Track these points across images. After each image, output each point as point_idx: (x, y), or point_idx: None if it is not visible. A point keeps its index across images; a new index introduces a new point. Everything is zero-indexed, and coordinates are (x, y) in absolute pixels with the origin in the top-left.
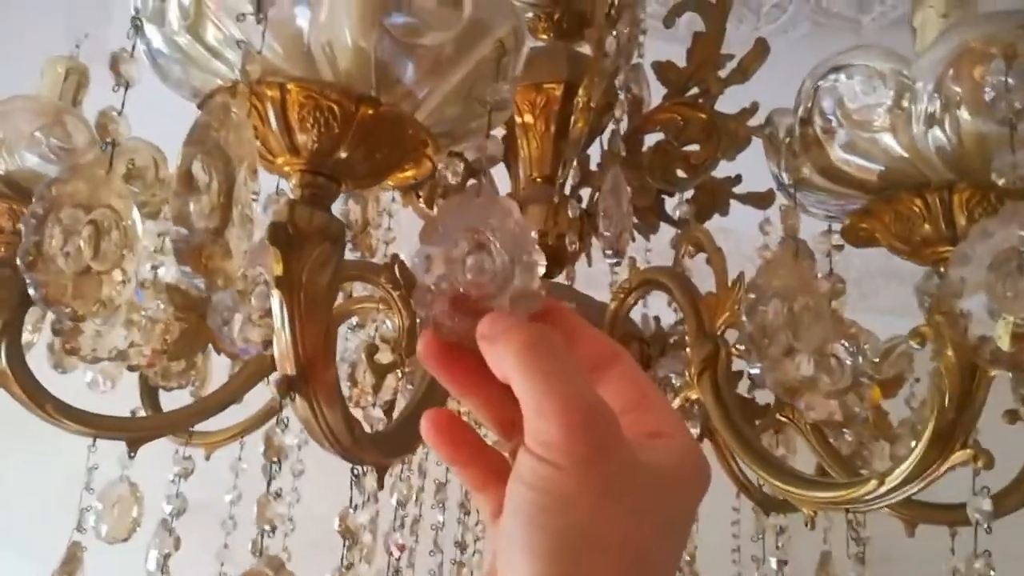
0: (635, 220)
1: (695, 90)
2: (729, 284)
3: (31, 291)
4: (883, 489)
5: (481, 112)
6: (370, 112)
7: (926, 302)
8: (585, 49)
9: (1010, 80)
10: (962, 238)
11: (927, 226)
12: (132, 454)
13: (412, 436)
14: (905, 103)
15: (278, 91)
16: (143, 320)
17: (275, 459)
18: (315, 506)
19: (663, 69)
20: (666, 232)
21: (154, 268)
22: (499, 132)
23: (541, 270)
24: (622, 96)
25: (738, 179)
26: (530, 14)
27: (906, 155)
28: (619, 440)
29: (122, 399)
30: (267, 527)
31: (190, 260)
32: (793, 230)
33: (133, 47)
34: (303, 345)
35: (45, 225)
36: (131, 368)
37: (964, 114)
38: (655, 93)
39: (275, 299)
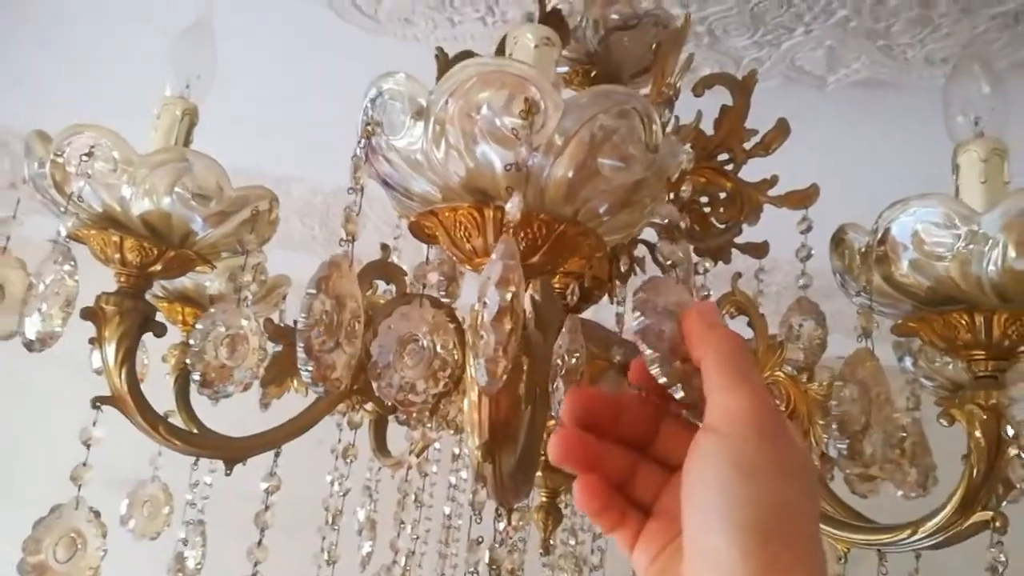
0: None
1: (721, 155)
2: (768, 345)
3: (305, 371)
4: (916, 537)
5: (639, 217)
6: (569, 228)
7: (907, 360)
8: None
9: None
10: (995, 347)
11: (968, 335)
12: (228, 471)
13: (531, 477)
14: (972, 245)
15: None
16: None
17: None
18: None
19: (692, 135)
20: None
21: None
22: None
23: None
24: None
25: (739, 231)
26: (566, 68)
27: (957, 278)
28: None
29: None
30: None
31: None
32: (869, 332)
33: (364, 156)
34: (499, 415)
35: (324, 318)
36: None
37: (1012, 254)
38: None
39: (471, 367)
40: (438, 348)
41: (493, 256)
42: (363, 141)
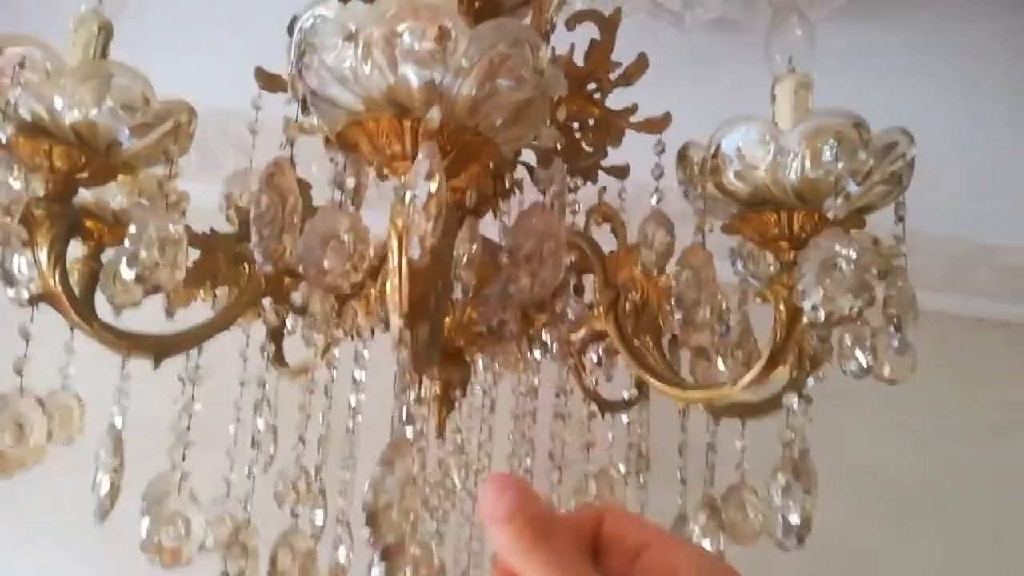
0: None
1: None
2: (626, 249)
3: (259, 252)
4: (735, 390)
5: (527, 131)
6: (472, 138)
7: (739, 263)
8: None
9: (838, 153)
10: (795, 239)
11: (776, 230)
12: (157, 366)
13: (436, 351)
14: (779, 157)
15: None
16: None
17: None
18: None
19: (565, 66)
20: None
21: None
22: None
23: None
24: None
25: (605, 154)
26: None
27: (770, 184)
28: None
29: None
30: None
31: None
32: (702, 228)
33: (298, 72)
34: (415, 294)
35: (271, 209)
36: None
37: (807, 164)
38: None
39: (394, 253)
40: (356, 244)
41: (419, 155)
42: (297, 60)
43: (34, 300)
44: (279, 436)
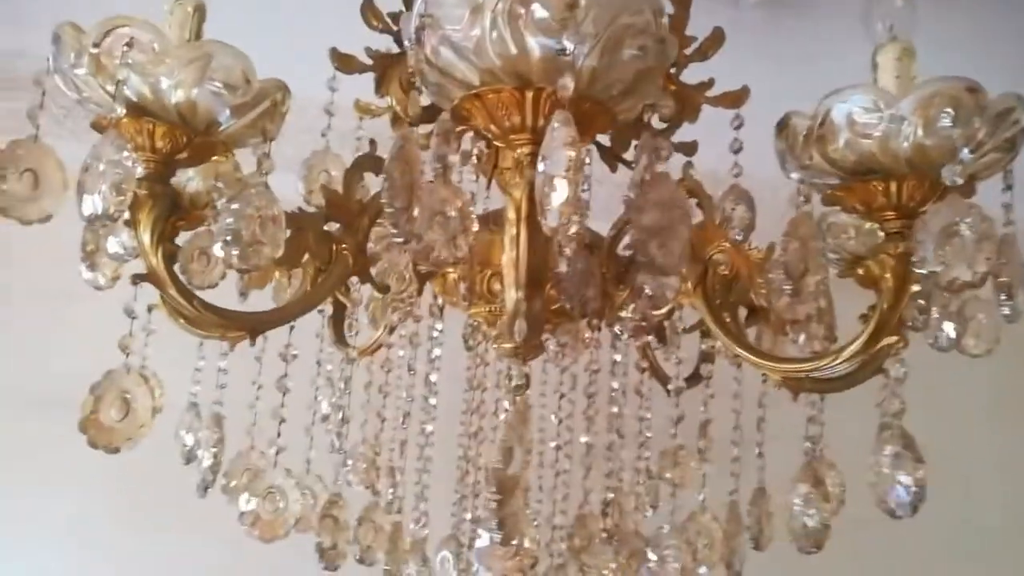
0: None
1: None
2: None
3: (393, 225)
4: (837, 361)
5: (638, 102)
6: (592, 107)
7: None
8: None
9: (956, 119)
10: (903, 208)
11: (883, 199)
12: (252, 343)
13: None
14: (891, 124)
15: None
16: None
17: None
18: None
19: None
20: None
21: None
22: None
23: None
24: None
25: (674, 131)
26: None
27: (878, 152)
28: None
29: None
30: None
31: None
32: (809, 198)
33: (419, 43)
34: (532, 263)
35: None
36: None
37: (920, 132)
38: None
39: (512, 225)
40: (461, 220)
41: (555, 123)
42: (416, 32)
43: (138, 279)
44: (352, 415)
